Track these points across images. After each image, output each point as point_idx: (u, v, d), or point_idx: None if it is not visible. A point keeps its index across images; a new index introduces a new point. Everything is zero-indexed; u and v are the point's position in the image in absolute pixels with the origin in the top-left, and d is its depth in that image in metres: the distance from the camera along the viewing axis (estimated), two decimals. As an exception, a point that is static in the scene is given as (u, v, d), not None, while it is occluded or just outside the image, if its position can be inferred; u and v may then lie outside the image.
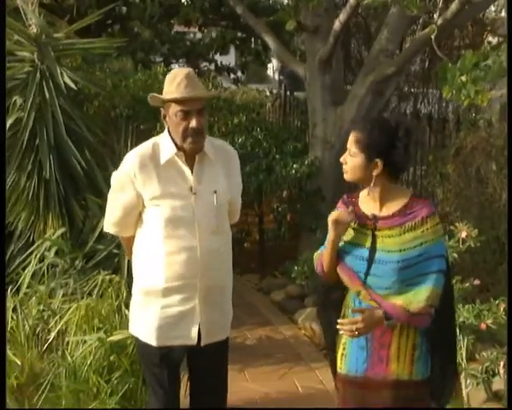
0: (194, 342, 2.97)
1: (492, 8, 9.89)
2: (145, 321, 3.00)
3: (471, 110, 6.46)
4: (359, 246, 2.68)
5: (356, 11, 5.66)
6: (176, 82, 2.85)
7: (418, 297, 2.59)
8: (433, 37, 4.09)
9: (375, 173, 2.61)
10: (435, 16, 4.57)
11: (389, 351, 2.66)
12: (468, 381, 4.30)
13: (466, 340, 4.39)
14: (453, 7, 5.22)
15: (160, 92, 2.97)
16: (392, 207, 2.66)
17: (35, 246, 4.75)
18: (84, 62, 7.03)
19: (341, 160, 2.69)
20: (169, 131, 2.95)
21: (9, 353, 3.79)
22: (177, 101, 2.83)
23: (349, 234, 2.73)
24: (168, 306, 2.93)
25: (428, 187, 6.94)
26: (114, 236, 3.73)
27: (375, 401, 2.70)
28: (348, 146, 2.66)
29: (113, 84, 7.24)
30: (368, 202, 2.71)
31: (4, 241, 4.13)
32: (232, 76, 10.79)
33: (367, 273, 2.65)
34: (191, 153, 2.93)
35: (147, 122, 6.49)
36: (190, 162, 2.93)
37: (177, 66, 10.30)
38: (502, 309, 4.43)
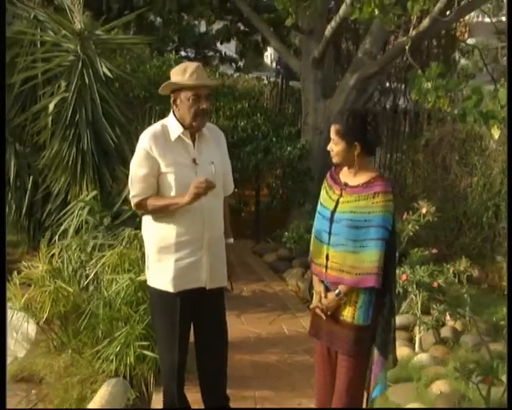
0: (204, 284, 3.41)
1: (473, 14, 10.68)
2: (162, 273, 3.39)
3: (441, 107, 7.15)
4: (326, 209, 3.24)
5: (345, 20, 6.41)
6: (188, 73, 3.32)
7: (369, 258, 3.08)
8: (407, 47, 4.60)
9: (356, 153, 3.14)
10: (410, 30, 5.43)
11: None
12: (422, 328, 5.11)
13: (421, 296, 5.14)
14: (425, 22, 6.14)
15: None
16: (361, 180, 3.17)
17: (71, 205, 5.53)
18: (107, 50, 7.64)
19: (328, 148, 3.21)
20: (174, 114, 3.40)
21: (59, 284, 4.55)
22: (191, 87, 3.31)
23: (324, 198, 3.30)
24: (180, 258, 3.36)
25: (402, 172, 7.78)
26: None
27: (330, 331, 3.27)
28: (331, 136, 3.19)
29: (132, 68, 7.68)
30: (346, 174, 3.25)
31: (5, 237, 4.36)
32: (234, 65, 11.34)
33: (330, 233, 3.19)
34: (195, 131, 3.38)
35: (160, 104, 6.81)
36: (192, 140, 3.40)
37: (186, 54, 10.83)
38: (451, 271, 5.30)
